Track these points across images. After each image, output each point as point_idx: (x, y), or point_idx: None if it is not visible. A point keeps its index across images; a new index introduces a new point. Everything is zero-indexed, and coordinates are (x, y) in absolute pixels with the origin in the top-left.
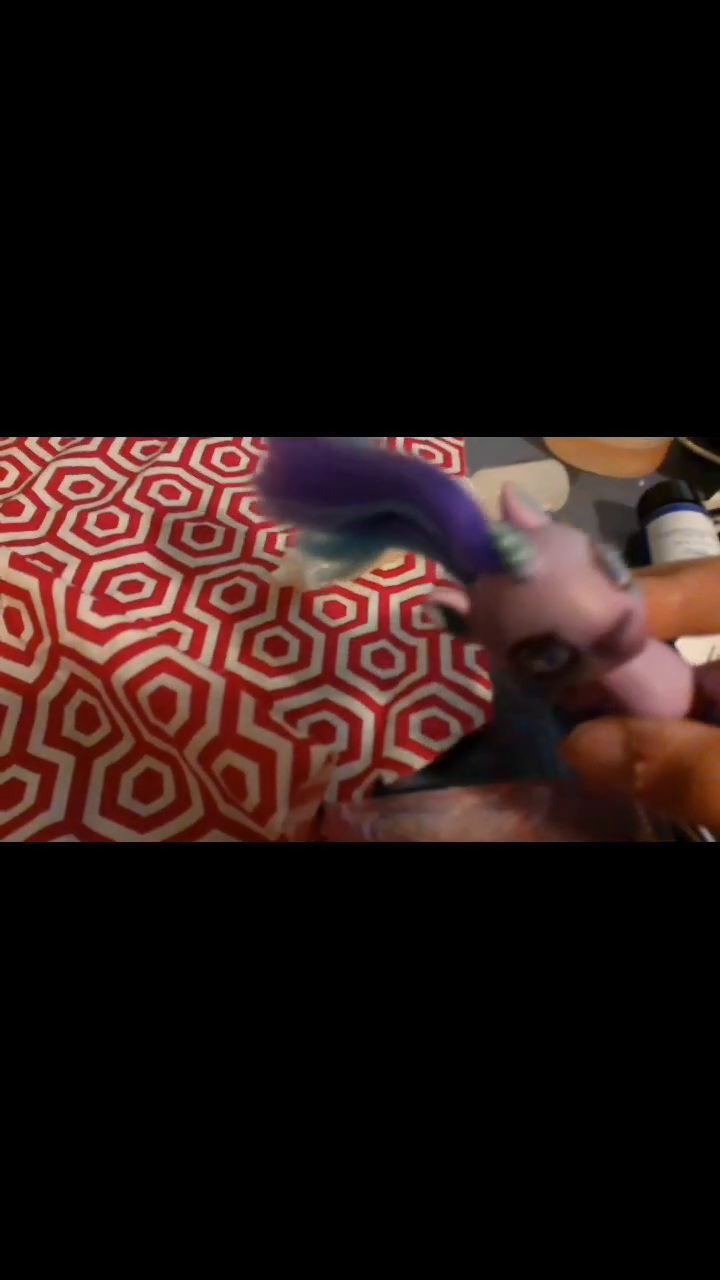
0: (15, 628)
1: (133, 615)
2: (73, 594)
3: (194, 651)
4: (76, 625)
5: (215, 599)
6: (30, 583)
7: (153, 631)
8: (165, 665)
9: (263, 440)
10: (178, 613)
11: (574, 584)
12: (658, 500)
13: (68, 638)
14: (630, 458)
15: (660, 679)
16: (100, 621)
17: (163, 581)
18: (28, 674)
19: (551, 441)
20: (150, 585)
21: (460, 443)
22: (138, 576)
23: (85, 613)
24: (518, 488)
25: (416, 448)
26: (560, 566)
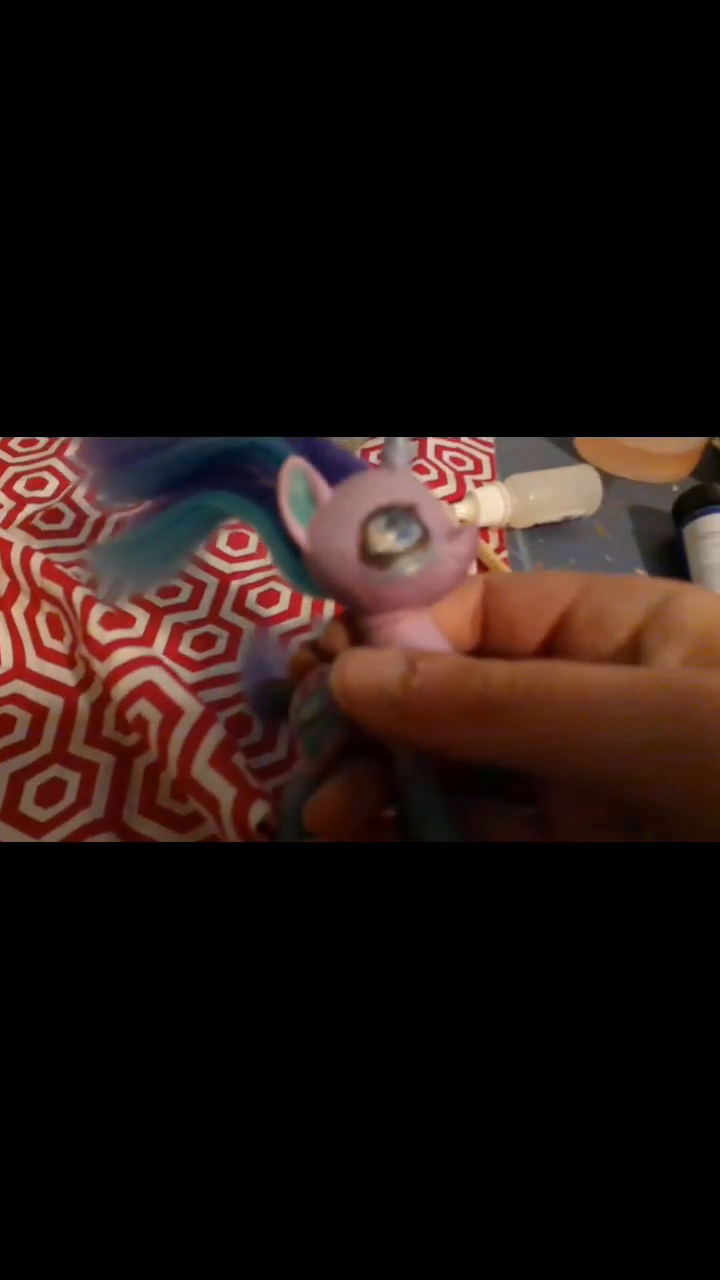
0: (57, 633)
1: (138, 628)
2: (88, 604)
3: (230, 655)
4: (86, 637)
5: (251, 603)
6: (57, 590)
7: (145, 651)
8: (146, 689)
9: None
10: (214, 617)
11: (329, 568)
12: (693, 504)
13: (81, 649)
14: (663, 462)
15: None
16: (103, 636)
17: (199, 586)
18: (70, 677)
19: (583, 447)
20: (187, 590)
21: (491, 449)
22: (174, 581)
23: (93, 625)
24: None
25: (448, 455)
26: (326, 550)
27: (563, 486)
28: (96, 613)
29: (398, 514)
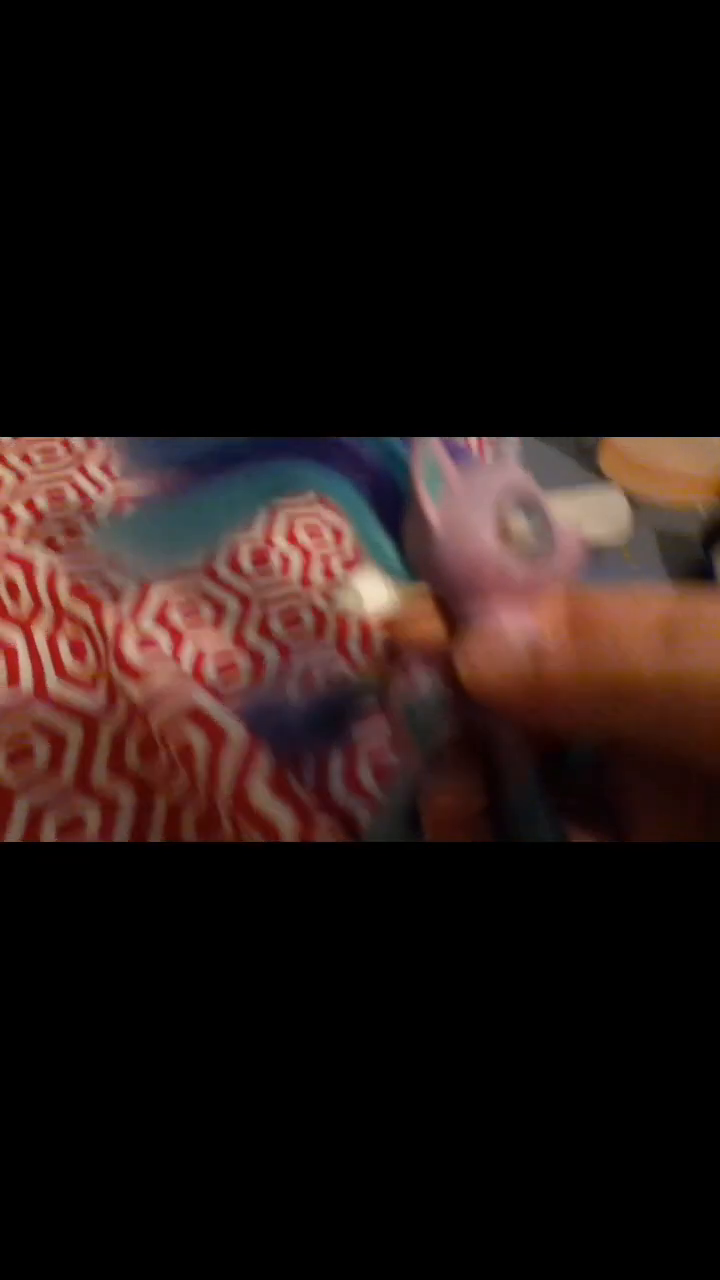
0: (79, 655)
1: (180, 648)
2: (119, 628)
3: (255, 676)
4: (119, 659)
5: (273, 624)
6: (87, 612)
7: (183, 674)
8: (190, 713)
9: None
10: (237, 638)
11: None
12: None
13: (113, 671)
14: (690, 485)
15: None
16: (139, 658)
17: (219, 607)
18: (90, 702)
19: (608, 468)
20: (209, 611)
21: None
22: (195, 600)
23: (128, 647)
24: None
25: None
26: (461, 525)
27: (590, 512)
28: (130, 635)
29: (530, 500)
